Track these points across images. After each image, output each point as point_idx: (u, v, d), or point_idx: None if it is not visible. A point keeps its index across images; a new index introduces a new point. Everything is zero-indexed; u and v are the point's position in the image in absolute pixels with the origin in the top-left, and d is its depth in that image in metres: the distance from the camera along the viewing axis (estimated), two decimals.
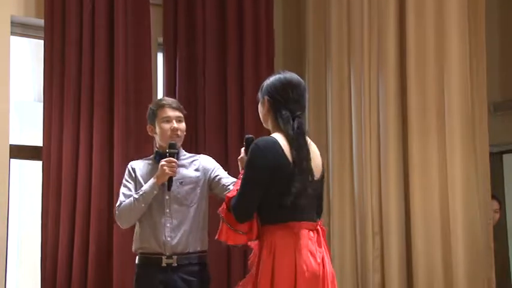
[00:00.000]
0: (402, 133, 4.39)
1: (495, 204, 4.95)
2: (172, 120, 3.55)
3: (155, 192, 3.42)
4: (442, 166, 4.17)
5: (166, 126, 3.54)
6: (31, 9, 4.52)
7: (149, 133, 3.67)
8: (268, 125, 2.91)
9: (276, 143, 2.75)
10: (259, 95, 2.92)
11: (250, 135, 2.97)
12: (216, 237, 2.86)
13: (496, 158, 5.60)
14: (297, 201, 2.71)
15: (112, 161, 4.41)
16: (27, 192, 5.71)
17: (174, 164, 3.42)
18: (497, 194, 5.24)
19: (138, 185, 3.54)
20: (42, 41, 4.46)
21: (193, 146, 4.65)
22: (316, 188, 2.86)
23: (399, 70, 4.42)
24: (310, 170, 2.77)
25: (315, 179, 2.81)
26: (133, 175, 3.58)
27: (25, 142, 4.97)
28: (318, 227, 2.83)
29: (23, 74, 5.70)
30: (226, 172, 3.61)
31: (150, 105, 3.69)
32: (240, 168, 2.92)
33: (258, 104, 2.94)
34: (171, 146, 3.49)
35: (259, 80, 4.94)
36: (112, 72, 4.49)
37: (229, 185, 3.44)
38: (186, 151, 3.72)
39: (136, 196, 3.43)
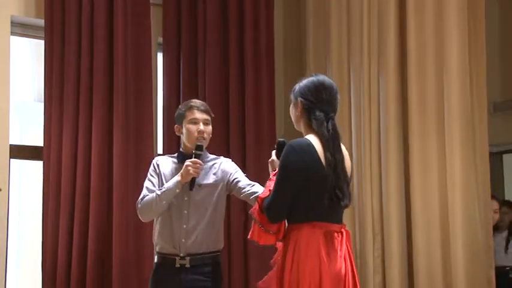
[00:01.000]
0: (402, 133, 4.39)
1: (495, 204, 4.96)
2: (200, 123, 3.56)
3: (177, 190, 3.44)
4: (442, 166, 4.17)
5: (193, 127, 3.55)
6: (31, 9, 4.52)
7: (176, 133, 3.69)
8: (300, 126, 2.91)
9: (310, 144, 2.75)
10: (292, 97, 2.92)
11: (282, 139, 2.97)
12: (248, 237, 2.88)
13: (496, 158, 5.61)
14: (327, 203, 2.73)
15: (112, 161, 4.42)
16: (27, 192, 5.71)
17: (199, 165, 3.45)
18: (497, 194, 5.25)
19: (160, 181, 3.56)
20: (42, 41, 4.47)
21: None
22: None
23: (399, 70, 4.43)
24: (343, 173, 2.79)
25: (347, 181, 2.82)
26: (158, 170, 3.60)
27: (25, 142, 4.98)
28: (343, 230, 2.84)
29: (23, 74, 5.70)
30: (244, 175, 3.63)
31: (180, 106, 3.71)
32: (270, 171, 2.93)
33: (290, 105, 2.92)
34: (198, 147, 3.51)
35: (259, 80, 4.96)
36: (112, 72, 4.49)
37: (245, 187, 3.48)
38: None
39: (158, 193, 3.46)
